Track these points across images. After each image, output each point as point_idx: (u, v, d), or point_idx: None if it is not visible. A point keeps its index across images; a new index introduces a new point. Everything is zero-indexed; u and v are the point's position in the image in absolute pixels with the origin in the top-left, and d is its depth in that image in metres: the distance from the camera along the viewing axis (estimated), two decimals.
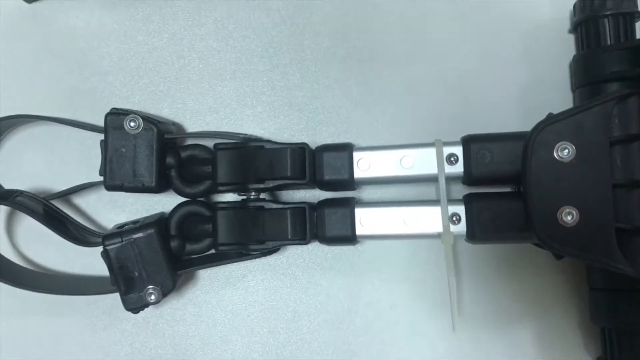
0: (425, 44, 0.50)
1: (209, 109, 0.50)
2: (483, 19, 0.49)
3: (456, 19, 0.50)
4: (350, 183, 0.46)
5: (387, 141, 0.49)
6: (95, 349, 0.50)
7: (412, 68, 0.50)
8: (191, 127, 0.51)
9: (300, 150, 0.45)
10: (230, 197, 0.49)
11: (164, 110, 0.51)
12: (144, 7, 0.51)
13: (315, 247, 0.49)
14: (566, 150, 0.40)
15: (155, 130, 0.45)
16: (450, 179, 0.45)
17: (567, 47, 0.49)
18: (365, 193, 0.50)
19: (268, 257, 0.49)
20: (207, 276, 0.50)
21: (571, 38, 0.49)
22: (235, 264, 0.49)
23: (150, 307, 0.48)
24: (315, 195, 0.49)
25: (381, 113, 0.50)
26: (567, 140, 0.40)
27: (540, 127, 0.41)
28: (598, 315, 0.45)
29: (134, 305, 0.45)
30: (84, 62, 0.51)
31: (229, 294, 0.50)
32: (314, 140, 0.50)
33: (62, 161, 0.51)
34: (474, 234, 0.44)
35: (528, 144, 0.41)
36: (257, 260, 0.49)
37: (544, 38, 0.49)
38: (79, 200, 0.51)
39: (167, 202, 0.50)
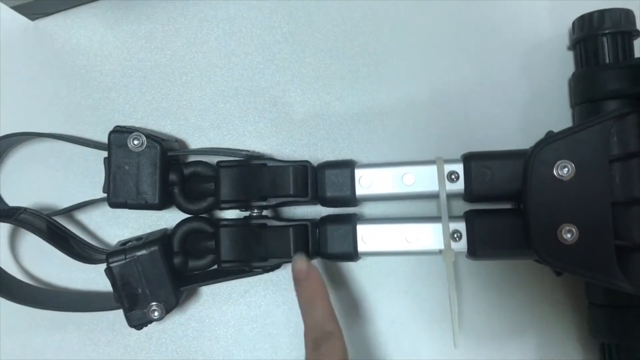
0: (426, 61, 0.50)
1: (212, 125, 0.51)
2: (483, 36, 0.50)
3: (456, 37, 0.50)
4: (352, 200, 0.46)
5: (388, 157, 0.50)
6: None
7: (413, 85, 0.50)
8: (194, 143, 0.51)
9: (303, 168, 0.45)
10: (233, 213, 0.50)
11: (167, 127, 0.51)
12: (147, 25, 0.52)
13: (316, 262, 0.49)
14: (566, 169, 0.41)
15: (158, 147, 0.46)
16: (451, 196, 0.45)
17: (566, 65, 0.49)
18: (367, 209, 0.50)
19: (270, 272, 0.49)
20: (210, 292, 0.51)
21: (570, 55, 0.49)
22: (237, 279, 0.50)
23: (154, 323, 0.49)
24: (316, 210, 0.50)
25: (382, 129, 0.50)
26: (566, 159, 0.41)
27: (540, 145, 0.41)
28: (598, 331, 0.45)
29: (138, 322, 0.45)
30: (87, 79, 0.52)
31: (232, 310, 0.50)
32: (316, 155, 0.50)
33: (66, 178, 0.51)
34: (474, 251, 0.44)
35: (528, 162, 0.41)
36: (259, 275, 0.49)
37: (543, 55, 0.50)
38: (82, 216, 0.51)
39: (170, 217, 0.50)
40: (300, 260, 0.44)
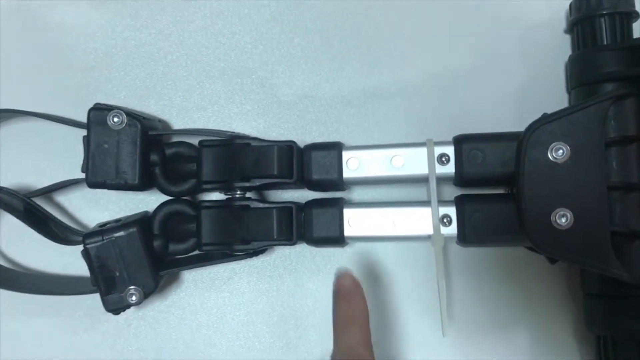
0: (419, 43, 0.49)
1: (196, 107, 0.49)
2: (478, 18, 0.49)
3: (451, 18, 0.49)
4: (339, 183, 0.44)
5: (378, 141, 0.48)
6: (75, 352, 0.49)
7: (405, 67, 0.49)
8: (178, 124, 0.50)
9: (288, 148, 0.44)
10: (217, 196, 0.48)
11: (150, 107, 0.50)
12: (132, 3, 0.50)
13: (302, 248, 0.48)
14: (560, 151, 0.39)
15: (139, 126, 0.44)
16: (441, 179, 0.44)
17: (563, 47, 0.48)
18: (356, 194, 0.49)
19: (254, 258, 0.48)
20: (192, 278, 0.49)
21: (567, 38, 0.48)
22: (220, 265, 0.48)
23: (133, 309, 0.48)
24: (304, 195, 0.48)
25: (373, 112, 0.49)
26: (561, 141, 0.39)
27: (534, 126, 0.40)
28: (593, 322, 0.44)
29: (115, 306, 0.44)
30: (70, 57, 0.50)
31: (214, 297, 0.49)
32: (304, 139, 0.49)
33: (45, 157, 0.50)
34: (465, 237, 0.43)
35: (521, 144, 0.40)
36: (243, 262, 0.48)
37: (539, 38, 0.48)
38: (62, 198, 0.50)
39: (152, 200, 0.49)
40: (347, 275, 0.40)
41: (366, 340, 0.38)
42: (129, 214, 0.48)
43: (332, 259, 0.48)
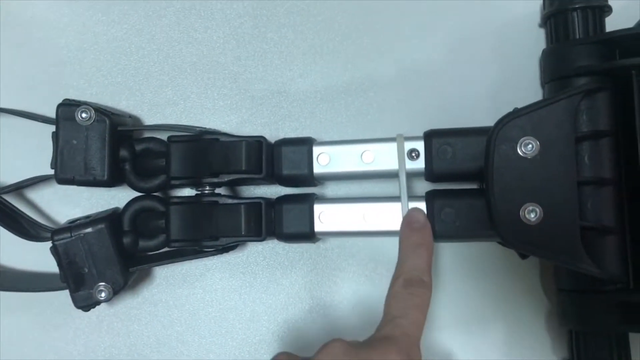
0: (392, 38, 0.48)
1: (168, 102, 0.49)
2: (452, 12, 0.48)
3: (424, 12, 0.48)
4: (310, 178, 0.44)
5: (352, 136, 0.48)
6: (47, 349, 0.49)
7: (379, 61, 0.48)
8: (149, 120, 0.49)
9: (257, 143, 0.43)
10: (190, 192, 0.48)
11: (122, 103, 0.49)
12: None
13: (275, 245, 0.48)
14: (530, 146, 0.39)
15: (107, 121, 0.44)
16: (412, 175, 0.44)
17: (538, 42, 0.48)
18: (329, 190, 0.48)
19: (227, 255, 0.48)
20: (164, 274, 0.49)
21: (542, 33, 0.48)
22: (193, 262, 0.48)
23: (105, 306, 0.48)
24: (277, 191, 0.48)
25: (346, 108, 0.48)
26: (531, 135, 0.39)
27: (504, 121, 0.40)
28: (566, 317, 0.44)
29: (84, 303, 0.44)
30: (41, 52, 0.50)
31: (186, 293, 0.48)
32: (277, 135, 0.48)
33: (15, 154, 0.50)
34: (435, 232, 0.42)
35: (491, 139, 0.40)
36: (216, 258, 0.48)
37: (514, 32, 0.48)
38: (33, 194, 0.50)
39: (123, 197, 0.48)
40: (419, 211, 0.42)
41: (429, 267, 0.39)
42: (100, 210, 0.47)
43: (305, 255, 0.48)
